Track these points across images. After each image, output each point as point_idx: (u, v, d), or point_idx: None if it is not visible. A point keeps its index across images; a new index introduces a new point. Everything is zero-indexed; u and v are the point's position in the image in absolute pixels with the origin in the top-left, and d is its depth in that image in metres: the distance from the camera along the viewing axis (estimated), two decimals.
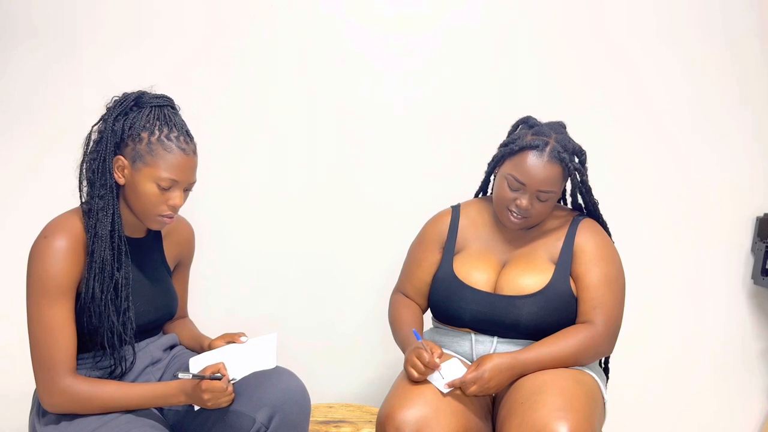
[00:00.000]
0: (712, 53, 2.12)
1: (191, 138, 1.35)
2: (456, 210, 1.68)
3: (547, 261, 1.54)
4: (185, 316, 1.66)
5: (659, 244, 2.18)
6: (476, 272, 1.55)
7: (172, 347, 1.51)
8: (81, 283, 1.29)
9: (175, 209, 1.34)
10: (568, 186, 1.64)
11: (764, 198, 2.17)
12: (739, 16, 2.11)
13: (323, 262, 2.13)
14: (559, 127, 1.56)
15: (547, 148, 1.48)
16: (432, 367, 1.40)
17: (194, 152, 1.34)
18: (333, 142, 2.09)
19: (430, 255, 1.65)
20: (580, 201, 1.62)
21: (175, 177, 1.30)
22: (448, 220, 1.66)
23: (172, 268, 1.54)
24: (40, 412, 1.33)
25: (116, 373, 1.34)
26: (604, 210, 1.64)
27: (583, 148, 1.56)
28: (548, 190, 1.48)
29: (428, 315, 1.71)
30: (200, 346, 1.50)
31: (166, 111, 1.33)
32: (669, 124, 2.14)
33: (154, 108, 1.32)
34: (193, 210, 1.64)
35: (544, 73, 2.10)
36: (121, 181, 1.31)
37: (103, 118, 1.33)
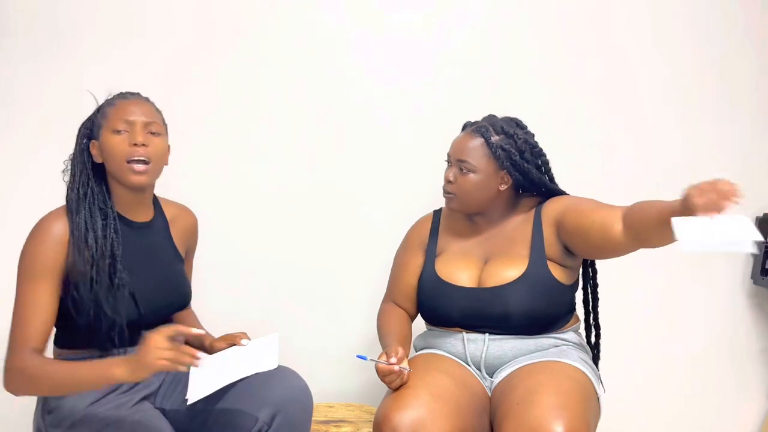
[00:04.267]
0: (713, 53, 2.12)
1: (138, 93, 1.41)
2: (437, 213, 1.74)
3: (523, 249, 1.57)
4: (189, 306, 1.66)
5: None
6: (459, 271, 1.59)
7: None
8: (73, 272, 1.29)
9: (140, 147, 1.33)
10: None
11: (764, 198, 2.17)
12: (739, 16, 2.11)
13: (323, 262, 2.14)
14: (500, 117, 1.63)
15: (472, 127, 1.60)
16: (389, 369, 1.39)
17: (141, 97, 1.40)
18: (333, 143, 2.09)
19: (414, 258, 1.69)
20: (526, 168, 1.56)
21: (126, 117, 1.35)
22: (429, 223, 1.72)
23: (183, 255, 1.54)
24: (45, 410, 1.33)
25: None
26: None
27: (524, 124, 1.62)
28: (466, 160, 1.56)
29: (420, 319, 1.73)
30: (200, 343, 1.48)
31: (126, 93, 1.40)
32: (670, 123, 2.14)
33: (116, 95, 1.40)
34: (194, 211, 1.65)
35: (537, 76, 2.10)
36: (99, 159, 1.36)
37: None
